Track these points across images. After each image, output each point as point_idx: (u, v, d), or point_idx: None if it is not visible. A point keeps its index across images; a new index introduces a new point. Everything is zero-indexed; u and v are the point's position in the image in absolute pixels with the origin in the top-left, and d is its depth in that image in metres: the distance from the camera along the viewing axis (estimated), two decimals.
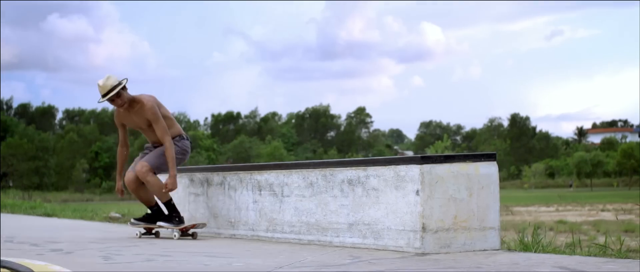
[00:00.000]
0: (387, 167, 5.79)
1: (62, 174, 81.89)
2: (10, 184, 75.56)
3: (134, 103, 7.43)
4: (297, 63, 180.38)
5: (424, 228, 5.50)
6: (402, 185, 5.65)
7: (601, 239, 7.26)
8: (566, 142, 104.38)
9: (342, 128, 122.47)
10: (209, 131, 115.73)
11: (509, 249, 5.82)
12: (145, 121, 7.47)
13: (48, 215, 14.58)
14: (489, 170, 5.75)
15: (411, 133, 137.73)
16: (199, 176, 8.06)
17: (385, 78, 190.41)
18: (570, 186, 78.69)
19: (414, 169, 5.56)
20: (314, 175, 6.51)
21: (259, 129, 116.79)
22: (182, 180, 8.26)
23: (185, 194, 8.22)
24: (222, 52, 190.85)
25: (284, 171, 6.88)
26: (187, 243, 6.94)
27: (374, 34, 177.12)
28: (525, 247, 5.89)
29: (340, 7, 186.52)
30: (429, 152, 62.31)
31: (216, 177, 7.77)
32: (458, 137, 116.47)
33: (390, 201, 5.76)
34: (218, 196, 7.71)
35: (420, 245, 5.50)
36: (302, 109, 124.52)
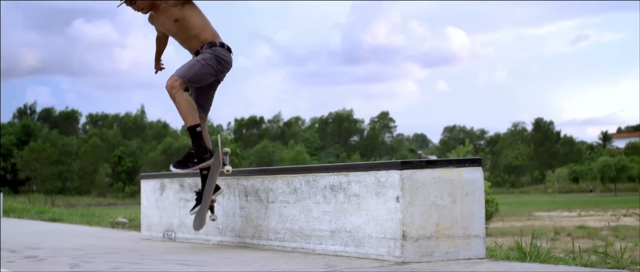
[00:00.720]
0: (368, 172, 5.60)
1: (85, 178, 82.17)
2: (34, 188, 75.96)
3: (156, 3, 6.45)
4: (321, 68, 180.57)
5: (404, 236, 5.30)
6: (383, 191, 5.46)
7: (618, 245, 7.04)
8: (590, 147, 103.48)
9: (366, 133, 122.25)
10: (232, 136, 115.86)
11: (495, 258, 5.60)
12: (171, 19, 6.46)
13: (54, 220, 14.53)
14: (474, 175, 5.54)
15: (436, 138, 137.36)
16: (188, 181, 7.90)
17: (410, 83, 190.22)
18: (591, 190, 77.97)
19: (394, 175, 5.36)
20: (298, 180, 6.33)
21: (282, 133, 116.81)
22: (173, 185, 8.11)
23: (176, 200, 8.07)
24: (247, 57, 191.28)
25: (269, 176, 6.71)
26: (168, 247, 6.78)
27: (399, 39, 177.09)
28: (523, 255, 5.68)
29: (365, 11, 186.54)
30: (451, 157, 61.87)
31: None
32: (482, 142, 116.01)
33: (371, 207, 5.57)
34: None
35: (400, 253, 5.30)
36: (326, 114, 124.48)
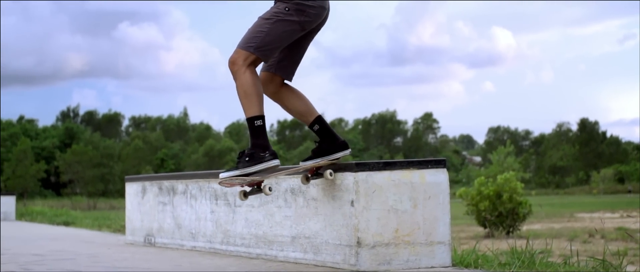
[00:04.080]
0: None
1: None
2: (78, 191, 76.54)
3: None
4: (367, 69, 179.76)
5: (359, 243, 4.94)
6: (339, 195, 5.10)
7: None
8: (637, 147, 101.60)
9: (409, 134, 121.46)
10: (276, 137, 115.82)
11: (460, 266, 5.21)
12: None
13: (66, 224, 14.39)
14: (437, 178, 5.16)
15: (482, 139, 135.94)
16: (166, 184, 7.61)
17: (456, 83, 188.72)
18: (629, 191, 76.46)
19: (349, 178, 5.01)
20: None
21: None
22: (153, 188, 7.83)
23: (155, 203, 7.78)
24: None
25: None
26: (132, 252, 6.50)
27: (445, 39, 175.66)
28: (522, 262, 5.28)
29: (410, 11, 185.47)
30: (491, 158, 61.07)
31: (180, 185, 7.31)
32: (526, 143, 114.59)
33: (327, 212, 5.22)
34: (182, 205, 7.25)
35: (355, 261, 4.94)
36: (370, 115, 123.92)
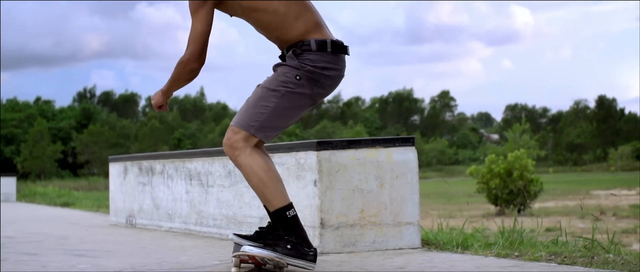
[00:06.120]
0: (289, 153, 5.09)
1: None
2: (95, 171, 76.85)
3: None
4: (385, 47, 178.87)
5: (322, 224, 4.78)
6: (302, 174, 4.93)
7: None
8: None
9: (426, 112, 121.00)
10: None
11: (429, 247, 5.03)
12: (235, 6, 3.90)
13: (66, 205, 14.32)
14: (406, 156, 4.97)
15: (499, 116, 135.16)
16: (145, 164, 7.47)
17: (474, 61, 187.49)
18: None
19: (312, 157, 4.83)
20: (231, 163, 5.82)
21: (342, 113, 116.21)
22: (133, 169, 7.69)
23: (136, 184, 7.64)
24: None
25: (208, 159, 6.23)
26: (105, 234, 6.37)
27: (463, 17, 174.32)
28: (510, 242, 5.11)
29: None
30: (507, 135, 60.68)
31: (158, 165, 7.16)
32: (544, 120, 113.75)
33: (292, 192, 5.02)
34: (159, 185, 7.11)
35: (319, 243, 4.78)
36: (386, 94, 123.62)
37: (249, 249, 3.74)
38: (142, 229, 7.30)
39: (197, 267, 4.28)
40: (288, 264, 3.74)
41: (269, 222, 4.02)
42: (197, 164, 6.37)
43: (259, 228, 4.05)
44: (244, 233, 4.12)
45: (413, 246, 4.96)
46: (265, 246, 3.76)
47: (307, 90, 3.76)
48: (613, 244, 5.25)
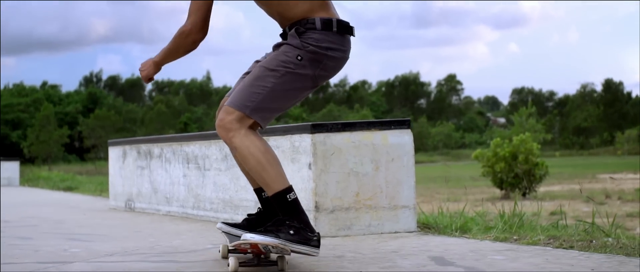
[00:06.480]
0: (284, 136, 5.05)
1: None
2: (101, 156, 76.85)
3: None
4: (391, 31, 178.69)
5: (317, 207, 4.74)
6: (297, 157, 4.90)
7: None
8: None
9: (433, 96, 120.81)
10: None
11: (427, 231, 4.99)
12: None
13: (69, 189, 14.31)
14: (401, 139, 4.93)
15: (506, 100, 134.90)
16: (144, 147, 7.44)
17: (480, 45, 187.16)
18: None
19: (306, 139, 4.79)
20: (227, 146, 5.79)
21: (348, 97, 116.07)
22: (132, 152, 7.66)
23: (134, 168, 7.61)
24: None
25: (205, 142, 6.20)
26: (103, 217, 6.34)
27: (469, 1, 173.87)
28: (510, 226, 5.06)
29: None
30: (513, 119, 60.44)
31: (156, 149, 7.13)
32: (550, 104, 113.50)
33: (287, 175, 4.99)
34: (157, 169, 7.08)
35: (313, 227, 4.72)
36: (393, 77, 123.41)
37: (251, 236, 3.38)
38: (140, 212, 7.27)
39: (189, 251, 4.25)
40: (291, 251, 3.44)
41: (258, 208, 3.93)
42: (194, 148, 6.33)
43: (248, 215, 3.90)
44: (232, 221, 4.01)
45: (409, 229, 4.92)
46: (266, 232, 3.42)
47: (309, 71, 3.50)
48: (615, 228, 5.20)
